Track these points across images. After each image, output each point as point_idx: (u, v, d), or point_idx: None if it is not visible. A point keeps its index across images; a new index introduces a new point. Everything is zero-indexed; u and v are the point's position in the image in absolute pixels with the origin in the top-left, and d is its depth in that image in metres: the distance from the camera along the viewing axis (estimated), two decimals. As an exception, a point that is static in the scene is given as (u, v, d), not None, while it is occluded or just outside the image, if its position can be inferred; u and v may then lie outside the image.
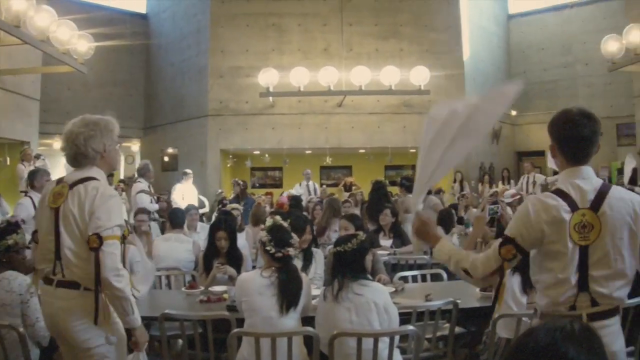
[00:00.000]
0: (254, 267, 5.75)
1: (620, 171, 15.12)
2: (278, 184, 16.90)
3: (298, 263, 4.91)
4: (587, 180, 2.63)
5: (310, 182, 13.81)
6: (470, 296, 4.61)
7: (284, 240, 3.87)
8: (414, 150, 14.90)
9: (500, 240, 2.66)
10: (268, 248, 3.85)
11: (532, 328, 1.44)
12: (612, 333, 2.60)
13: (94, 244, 2.89)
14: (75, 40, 9.25)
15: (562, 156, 2.71)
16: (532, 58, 18.05)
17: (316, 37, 14.96)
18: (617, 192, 2.62)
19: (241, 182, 12.86)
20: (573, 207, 2.56)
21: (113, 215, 3.00)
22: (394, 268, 6.38)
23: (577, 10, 17.18)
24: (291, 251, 3.90)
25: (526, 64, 18.14)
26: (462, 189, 13.76)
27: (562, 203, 2.57)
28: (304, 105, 14.70)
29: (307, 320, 3.89)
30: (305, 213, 9.56)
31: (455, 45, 15.48)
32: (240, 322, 3.77)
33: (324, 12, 15.01)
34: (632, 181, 8.10)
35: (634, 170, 8.76)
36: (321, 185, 15.31)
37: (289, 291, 3.76)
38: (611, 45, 10.84)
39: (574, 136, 2.65)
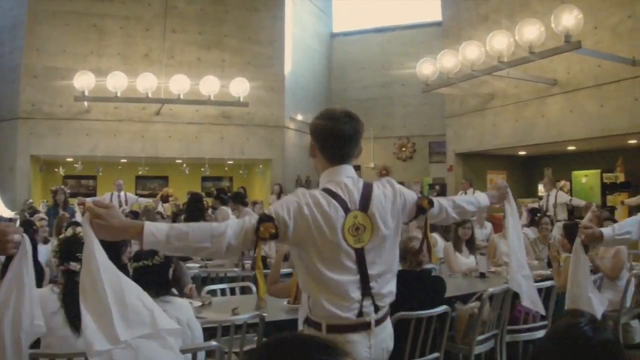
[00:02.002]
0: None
1: (432, 186, 16.88)
2: (92, 193, 16.37)
3: None
4: (347, 177, 2.72)
5: (122, 193, 13.42)
6: (279, 309, 4.70)
7: (70, 254, 3.63)
8: (231, 162, 15.62)
9: None
10: (54, 260, 3.77)
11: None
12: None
13: None
14: None
15: (323, 155, 2.76)
16: (352, 76, 19.30)
17: (137, 42, 14.93)
18: (378, 193, 2.74)
19: (66, 190, 11.99)
20: (345, 208, 2.62)
21: None
22: (204, 281, 6.49)
23: (398, 33, 18.82)
24: (75, 266, 3.58)
25: (346, 81, 19.43)
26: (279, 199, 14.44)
27: (335, 203, 2.62)
28: (121, 112, 14.57)
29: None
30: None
31: (278, 60, 16.24)
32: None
33: (147, 17, 15.03)
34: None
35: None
36: (136, 195, 15.38)
37: (73, 309, 3.47)
38: (426, 68, 12.08)
39: (337, 134, 2.70)
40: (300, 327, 2.81)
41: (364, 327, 2.65)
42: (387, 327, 2.82)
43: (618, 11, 10.40)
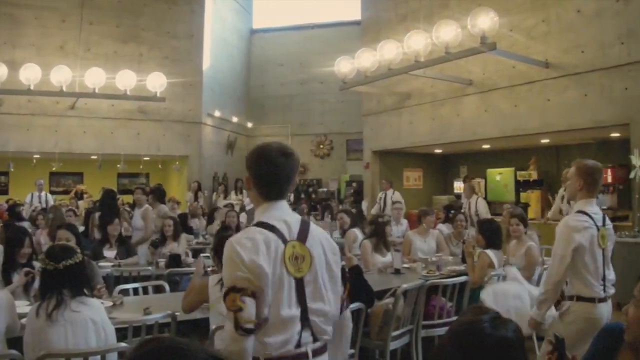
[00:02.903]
0: None
1: (349, 183, 17.33)
2: (4, 190, 16.29)
3: None
4: (284, 212, 2.76)
5: (43, 193, 13.33)
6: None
7: None
8: (147, 158, 15.60)
9: None
10: None
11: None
12: None
13: None
14: None
15: (258, 191, 2.78)
16: (271, 72, 19.65)
17: (53, 33, 14.60)
18: (314, 228, 2.80)
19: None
20: (283, 239, 2.63)
21: None
22: (117, 280, 6.40)
23: (317, 31, 19.27)
24: None
25: (265, 77, 19.77)
26: (196, 198, 14.60)
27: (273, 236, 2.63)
28: (34, 106, 14.24)
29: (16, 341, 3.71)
30: (27, 223, 9.62)
31: (196, 55, 16.37)
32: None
33: (63, 8, 14.72)
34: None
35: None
36: (50, 192, 15.17)
37: None
38: (344, 66, 12.34)
39: (272, 175, 2.73)
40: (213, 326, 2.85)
41: (302, 357, 2.66)
42: (322, 358, 2.78)
43: (533, 15, 11.05)
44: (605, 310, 4.30)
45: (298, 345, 2.62)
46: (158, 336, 1.49)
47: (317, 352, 2.70)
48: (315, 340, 2.68)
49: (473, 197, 11.81)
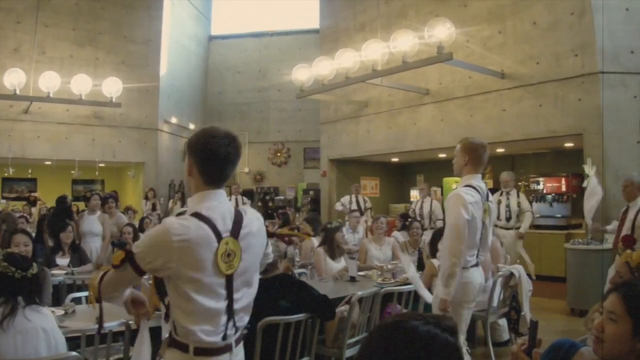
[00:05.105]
0: None
1: (306, 192, 17.37)
2: None
3: None
4: (221, 202, 2.74)
5: None
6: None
7: None
8: (102, 165, 15.42)
9: None
10: None
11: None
12: None
13: None
14: None
15: (202, 176, 2.72)
16: (229, 79, 19.72)
17: (7, 35, 14.27)
18: (248, 219, 2.79)
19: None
20: (218, 235, 2.61)
21: None
22: (69, 289, 6.27)
23: (276, 39, 19.41)
24: None
25: (223, 84, 19.80)
26: (154, 208, 14.49)
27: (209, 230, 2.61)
28: None
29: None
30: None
31: (153, 60, 16.22)
32: None
33: (18, 9, 14.42)
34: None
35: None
36: (2, 198, 14.91)
37: None
38: (301, 74, 12.29)
39: (218, 158, 2.69)
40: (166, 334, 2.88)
41: (228, 349, 2.72)
42: (241, 345, 2.85)
43: (489, 27, 11.27)
44: (477, 275, 4.77)
45: (224, 337, 2.67)
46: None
47: (238, 341, 2.77)
48: (236, 330, 2.73)
49: (427, 199, 12.10)
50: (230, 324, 2.68)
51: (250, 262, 2.75)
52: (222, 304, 2.64)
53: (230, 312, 2.67)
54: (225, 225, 2.65)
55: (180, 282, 2.57)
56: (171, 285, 2.63)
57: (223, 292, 2.63)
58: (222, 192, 2.77)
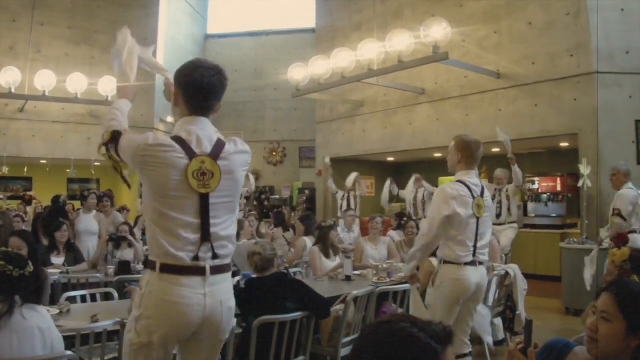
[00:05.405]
0: None
1: (302, 191, 17.35)
2: None
3: None
4: (204, 130, 2.86)
5: None
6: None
7: None
8: (98, 164, 15.33)
9: None
10: None
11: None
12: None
13: None
14: None
15: (186, 106, 2.89)
16: (225, 78, 19.54)
17: (3, 34, 14.14)
18: (236, 151, 2.90)
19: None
20: (190, 153, 2.75)
21: None
22: (65, 288, 6.25)
23: (272, 38, 19.37)
24: None
25: (219, 83, 19.60)
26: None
27: (179, 149, 2.76)
28: None
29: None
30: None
31: (149, 59, 16.12)
32: None
33: (14, 7, 14.29)
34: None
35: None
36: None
37: None
38: (297, 73, 12.26)
39: (204, 86, 2.83)
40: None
41: (199, 271, 2.72)
42: (227, 280, 2.88)
43: (485, 27, 11.28)
44: (473, 274, 4.60)
45: (196, 258, 2.71)
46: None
47: (217, 270, 2.78)
48: (215, 257, 2.76)
49: (421, 189, 12.20)
50: (206, 247, 2.73)
51: (231, 187, 2.83)
52: (194, 221, 2.71)
53: (205, 232, 2.73)
54: (200, 147, 2.77)
55: (150, 192, 2.75)
56: (145, 194, 2.84)
57: (194, 209, 2.72)
58: (204, 120, 2.88)
